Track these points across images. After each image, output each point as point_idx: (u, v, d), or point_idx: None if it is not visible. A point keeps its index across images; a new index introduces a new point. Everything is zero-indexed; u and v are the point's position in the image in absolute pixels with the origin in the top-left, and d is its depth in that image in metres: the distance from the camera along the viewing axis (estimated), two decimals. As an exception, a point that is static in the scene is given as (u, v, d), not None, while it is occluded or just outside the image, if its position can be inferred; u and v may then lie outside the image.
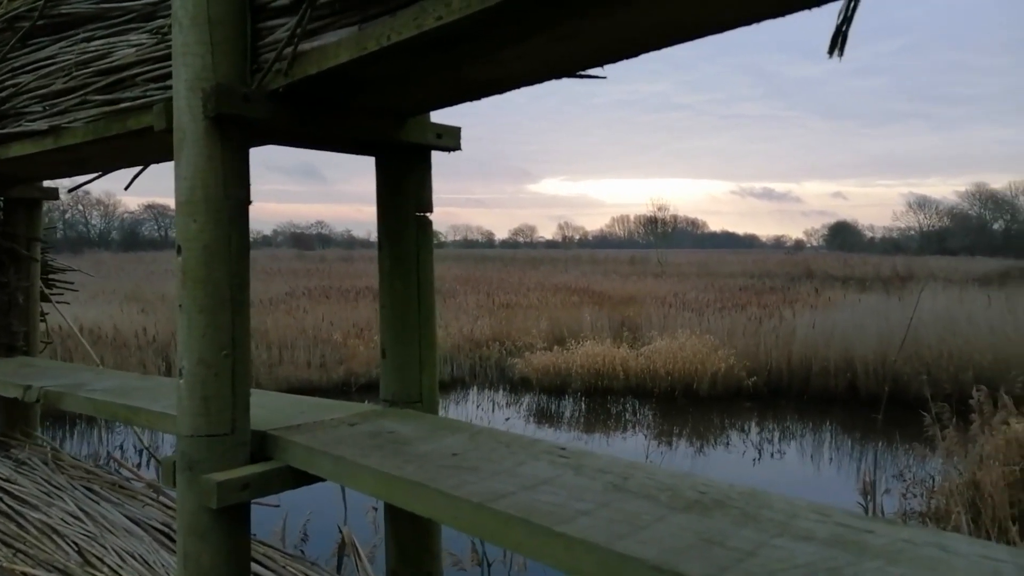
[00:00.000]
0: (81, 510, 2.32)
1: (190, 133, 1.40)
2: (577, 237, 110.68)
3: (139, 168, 2.47)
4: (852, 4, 0.97)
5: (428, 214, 1.64)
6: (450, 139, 1.63)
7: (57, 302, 3.58)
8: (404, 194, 1.62)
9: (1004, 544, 6.19)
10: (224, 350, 1.41)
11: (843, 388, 13.21)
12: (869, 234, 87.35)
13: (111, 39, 1.81)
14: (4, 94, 2.25)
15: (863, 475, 6.82)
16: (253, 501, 1.51)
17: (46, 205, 3.39)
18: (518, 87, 1.31)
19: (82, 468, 2.83)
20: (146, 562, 2.03)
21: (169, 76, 1.51)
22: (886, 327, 13.80)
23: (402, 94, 1.43)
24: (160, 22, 1.65)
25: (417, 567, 1.59)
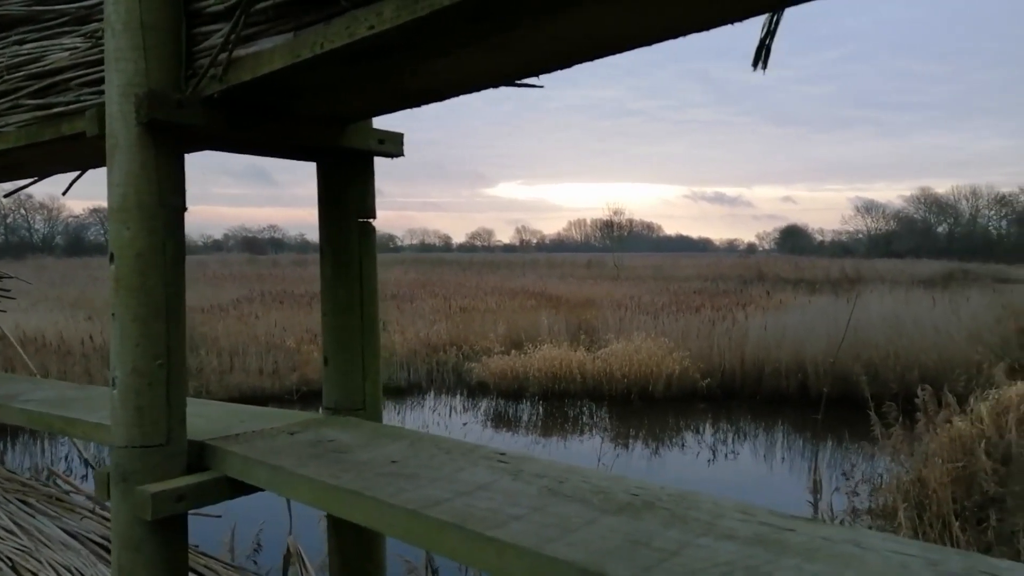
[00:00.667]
0: (15, 523, 2.24)
1: (122, 139, 1.38)
2: (534, 241, 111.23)
3: (77, 173, 2.41)
4: (775, 19, 1.00)
5: (371, 220, 1.64)
6: (393, 145, 1.63)
7: (-7, 310, 3.47)
8: (346, 200, 1.61)
9: (948, 545, 6.36)
10: (159, 359, 1.39)
11: (794, 388, 13.52)
12: (819, 237, 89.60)
13: (43, 42, 1.76)
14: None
15: (812, 474, 6.99)
16: (194, 512, 1.49)
17: (-19, 210, 3.29)
18: (456, 95, 1.32)
19: (17, 481, 2.74)
20: (82, 575, 1.98)
21: (103, 81, 1.48)
22: (835, 328, 14.15)
23: (340, 101, 1.42)
24: (94, 26, 1.61)
25: (361, 576, 1.58)
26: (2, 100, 1.93)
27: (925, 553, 0.80)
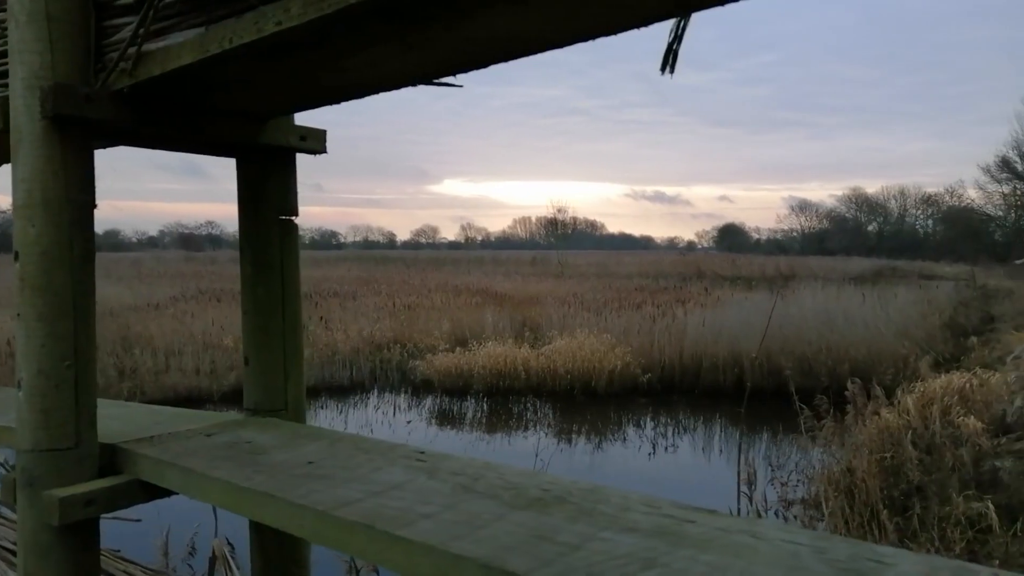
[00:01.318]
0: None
1: (27, 133, 1.33)
2: (480, 238, 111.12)
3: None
4: (682, 24, 1.03)
5: (293, 218, 1.62)
6: (315, 142, 1.61)
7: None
8: (267, 197, 1.58)
9: (876, 533, 6.56)
10: (66, 360, 1.34)
11: (731, 382, 13.83)
12: (755, 235, 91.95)
13: (-54, 31, 1.69)
14: None
15: (747, 466, 7.17)
16: (109, 517, 1.45)
17: None
18: (374, 93, 1.31)
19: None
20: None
21: (7, 74, 1.42)
22: (769, 323, 14.51)
23: (256, 97, 1.40)
24: None
25: (285, 577, 1.56)
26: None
27: (814, 541, 0.83)
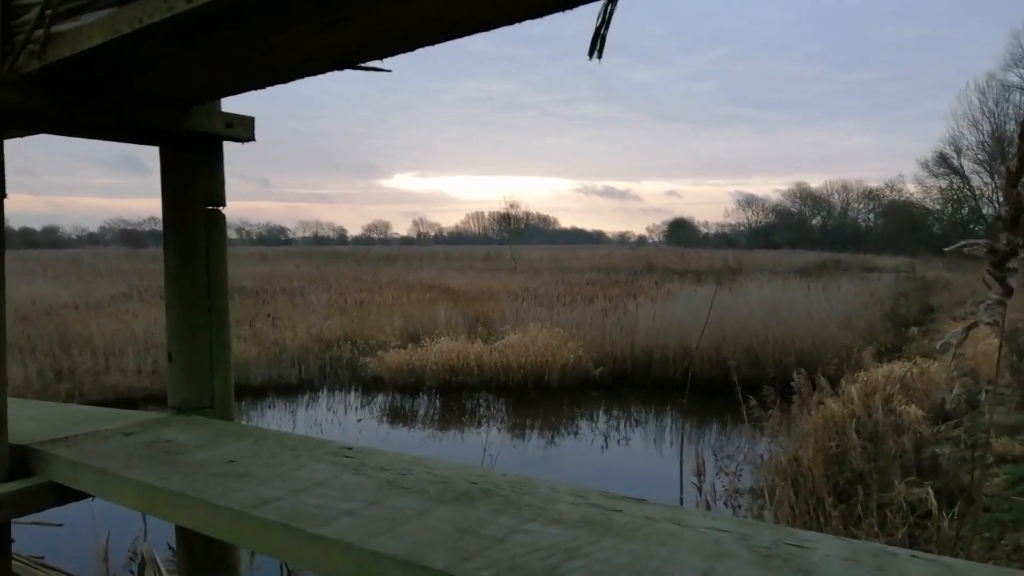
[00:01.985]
0: None
1: (-75, 117, 1.25)
2: (432, 234, 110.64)
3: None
4: (609, 8, 1.01)
5: (220, 208, 1.56)
6: (242, 129, 1.55)
7: None
8: (192, 186, 1.52)
9: (821, 520, 6.69)
10: (-30, 359, 1.27)
11: (681, 374, 14.00)
12: (704, 230, 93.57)
13: None
14: None
15: (697, 457, 7.27)
16: (21, 521, 1.37)
17: None
18: (299, 77, 1.27)
19: None
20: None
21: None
22: (716, 316, 14.77)
23: (175, 80, 1.34)
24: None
25: (215, 580, 1.51)
26: None
27: (739, 528, 0.82)
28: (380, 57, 1.16)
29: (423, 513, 0.90)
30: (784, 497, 7.07)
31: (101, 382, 13.18)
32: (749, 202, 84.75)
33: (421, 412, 13.56)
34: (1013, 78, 36.96)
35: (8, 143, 1.45)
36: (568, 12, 1.01)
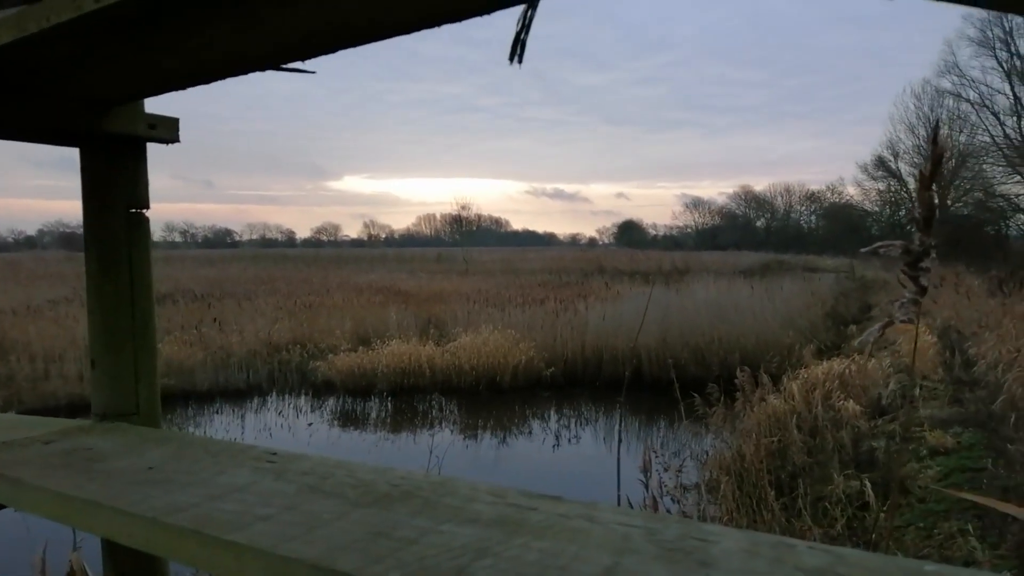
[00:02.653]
0: None
1: None
2: (384, 236, 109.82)
3: None
4: (529, 13, 1.03)
5: (144, 211, 1.52)
6: (166, 130, 1.52)
7: None
8: (114, 190, 1.49)
9: (763, 514, 6.84)
10: None
11: (631, 374, 14.21)
12: (653, 232, 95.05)
13: None
14: None
15: (647, 453, 7.38)
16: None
17: None
18: (221, 78, 1.25)
19: None
20: None
21: None
22: (665, 316, 15.00)
23: (94, 81, 1.31)
24: None
25: (142, 591, 1.48)
26: None
27: (647, 523, 0.84)
28: (302, 58, 1.15)
29: (340, 517, 0.90)
30: (728, 491, 7.23)
31: (41, 389, 12.77)
32: (696, 204, 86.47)
33: (372, 415, 13.45)
34: (946, 84, 38.43)
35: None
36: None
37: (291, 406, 13.88)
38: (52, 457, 1.21)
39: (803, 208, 75.35)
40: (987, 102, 36.60)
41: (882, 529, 5.58)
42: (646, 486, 7.04)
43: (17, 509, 1.13)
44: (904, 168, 44.26)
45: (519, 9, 1.05)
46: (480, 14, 1.01)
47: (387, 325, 17.10)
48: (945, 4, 0.69)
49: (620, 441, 2.92)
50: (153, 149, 1.57)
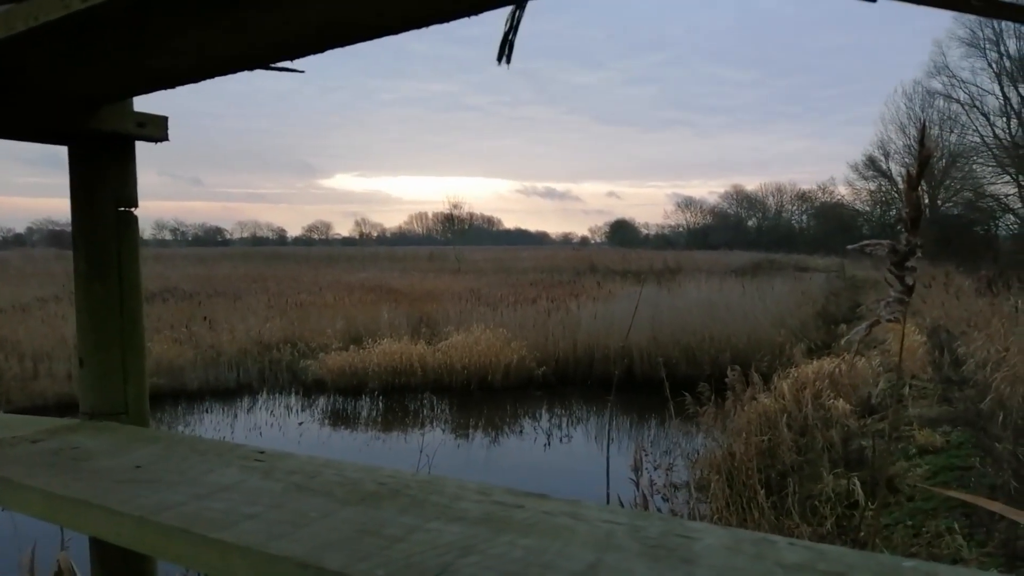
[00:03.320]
0: None
1: None
2: (375, 234, 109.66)
3: None
4: (517, 14, 1.03)
5: (133, 209, 1.52)
6: (155, 129, 1.52)
7: None
8: (103, 188, 1.48)
9: (754, 512, 6.86)
10: None
11: (623, 373, 14.23)
12: (644, 231, 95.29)
13: None
14: None
15: (638, 452, 7.39)
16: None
17: None
18: (210, 77, 1.25)
19: None
20: None
21: None
22: (657, 314, 15.03)
23: (82, 79, 1.31)
24: None
25: (130, 591, 1.47)
26: None
27: (632, 520, 0.85)
28: (290, 58, 1.15)
29: (327, 515, 0.90)
30: (718, 490, 7.25)
31: (30, 388, 12.72)
32: (687, 204, 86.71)
33: (363, 414, 13.43)
34: (936, 85, 38.64)
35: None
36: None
37: (282, 405, 13.85)
38: (40, 456, 1.21)
39: (794, 208, 75.69)
40: (977, 103, 36.85)
41: (870, 527, 5.62)
42: (637, 484, 7.06)
43: (5, 508, 1.13)
44: (895, 168, 44.53)
45: (508, 9, 1.06)
46: (467, 15, 1.01)
47: (378, 324, 17.07)
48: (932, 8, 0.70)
49: (609, 440, 2.92)
50: (141, 147, 1.57)
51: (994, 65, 35.44)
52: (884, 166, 45.90)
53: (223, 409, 13.37)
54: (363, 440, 11.74)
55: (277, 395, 14.49)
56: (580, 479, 9.26)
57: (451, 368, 14.26)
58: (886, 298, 1.32)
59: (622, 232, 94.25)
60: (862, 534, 6.01)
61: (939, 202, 39.78)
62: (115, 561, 1.49)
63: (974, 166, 38.49)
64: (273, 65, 1.19)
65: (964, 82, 36.86)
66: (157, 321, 16.42)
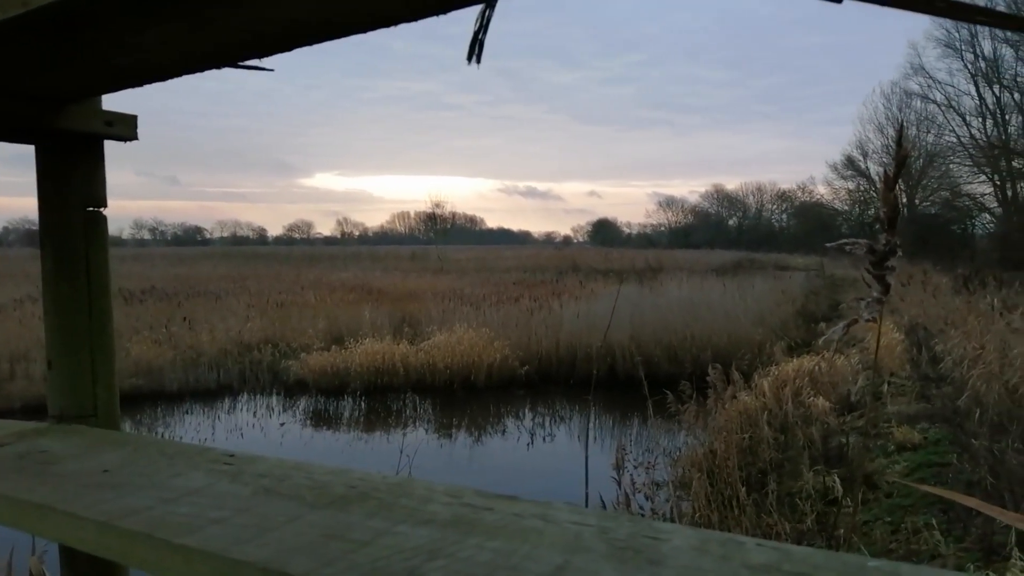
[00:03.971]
0: None
1: None
2: (357, 234, 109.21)
3: None
4: (488, 12, 1.02)
5: (101, 209, 1.50)
6: (124, 128, 1.50)
7: None
8: (70, 188, 1.46)
9: (735, 510, 6.90)
10: None
11: (604, 371, 14.26)
12: (627, 230, 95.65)
13: None
14: None
15: (620, 451, 7.41)
16: None
17: None
18: (178, 75, 1.24)
19: None
20: None
21: None
22: (638, 313, 15.08)
23: (45, 78, 1.29)
24: None
25: (101, 596, 1.45)
26: None
27: (601, 522, 0.85)
28: (259, 56, 1.14)
29: (294, 519, 0.89)
30: (700, 488, 7.29)
31: (6, 390, 12.55)
32: (669, 203, 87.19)
33: (345, 415, 13.36)
34: (913, 86, 39.08)
35: None
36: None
37: (263, 406, 13.75)
38: (6, 460, 1.19)
39: (774, 207, 76.29)
40: (953, 103, 37.33)
41: (849, 524, 5.67)
42: (619, 483, 7.08)
43: (-33, 514, 1.11)
44: (873, 168, 45.01)
45: (478, 8, 1.05)
46: (436, 14, 1.00)
47: (360, 324, 16.98)
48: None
49: (587, 439, 2.92)
50: (116, 146, 1.55)
51: (970, 66, 35.94)
52: (863, 166, 46.41)
53: (203, 411, 13.25)
54: (345, 441, 11.68)
55: (258, 396, 14.38)
56: (562, 479, 9.26)
57: (434, 368, 14.22)
58: (865, 297, 1.33)
59: (604, 231, 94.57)
60: (840, 531, 6.06)
61: (917, 201, 40.25)
62: (84, 566, 1.47)
63: (951, 166, 39.00)
64: (242, 64, 1.18)
65: (941, 83, 37.35)
66: (136, 321, 16.24)
